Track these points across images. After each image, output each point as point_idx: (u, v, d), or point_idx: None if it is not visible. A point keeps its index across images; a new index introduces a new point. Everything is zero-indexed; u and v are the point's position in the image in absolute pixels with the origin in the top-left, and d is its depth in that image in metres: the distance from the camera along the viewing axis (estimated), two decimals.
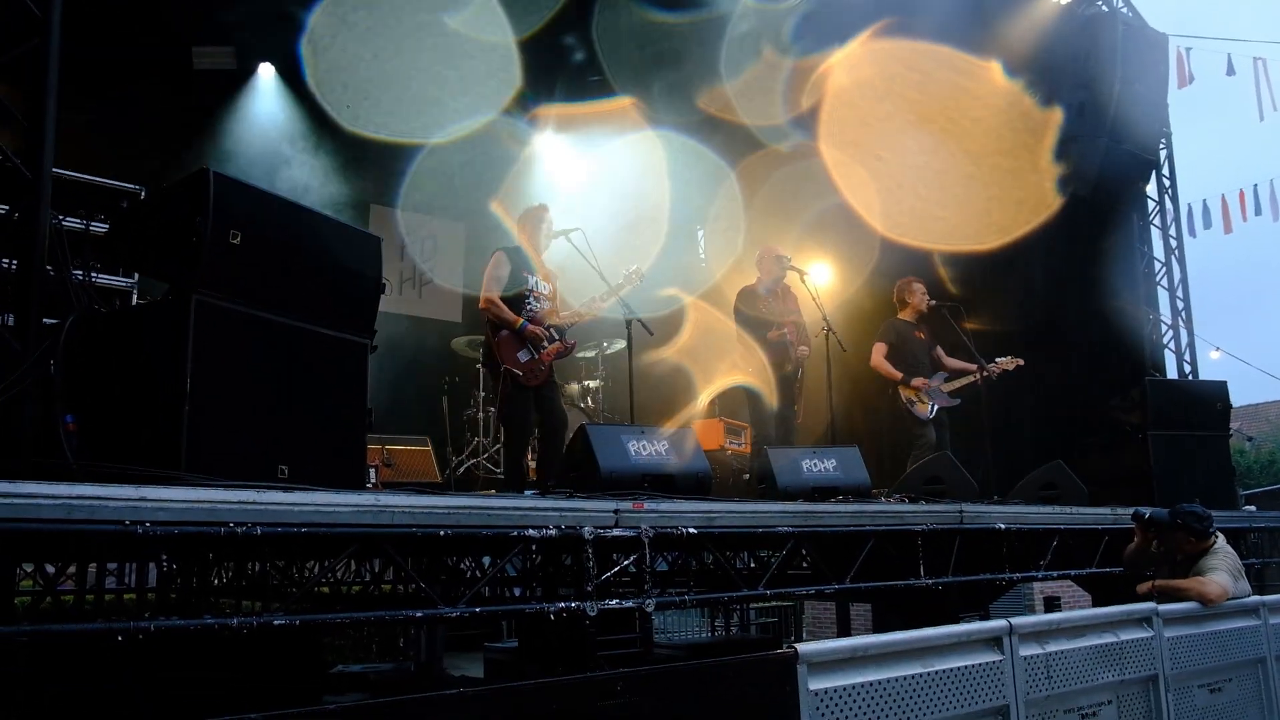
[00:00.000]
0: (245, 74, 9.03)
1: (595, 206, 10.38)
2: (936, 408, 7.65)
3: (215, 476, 3.04)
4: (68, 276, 3.86)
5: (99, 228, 4.59)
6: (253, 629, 2.91)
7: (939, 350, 7.92)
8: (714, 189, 11.26)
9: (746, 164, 10.64)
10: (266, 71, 9.29)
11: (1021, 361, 7.69)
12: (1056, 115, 8.86)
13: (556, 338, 6.12)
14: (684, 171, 10.75)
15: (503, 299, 6.02)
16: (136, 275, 4.83)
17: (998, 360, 7.64)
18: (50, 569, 5.45)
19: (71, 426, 3.25)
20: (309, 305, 3.54)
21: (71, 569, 5.65)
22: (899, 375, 7.66)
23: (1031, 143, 8.97)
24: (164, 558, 2.93)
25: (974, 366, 7.56)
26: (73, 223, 4.49)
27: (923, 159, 9.16)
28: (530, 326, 5.98)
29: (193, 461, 3.04)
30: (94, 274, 4.54)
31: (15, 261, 3.39)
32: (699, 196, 11.48)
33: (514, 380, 5.91)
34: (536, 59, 8.99)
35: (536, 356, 5.99)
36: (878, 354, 7.76)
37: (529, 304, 6.08)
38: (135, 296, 4.86)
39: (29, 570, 5.53)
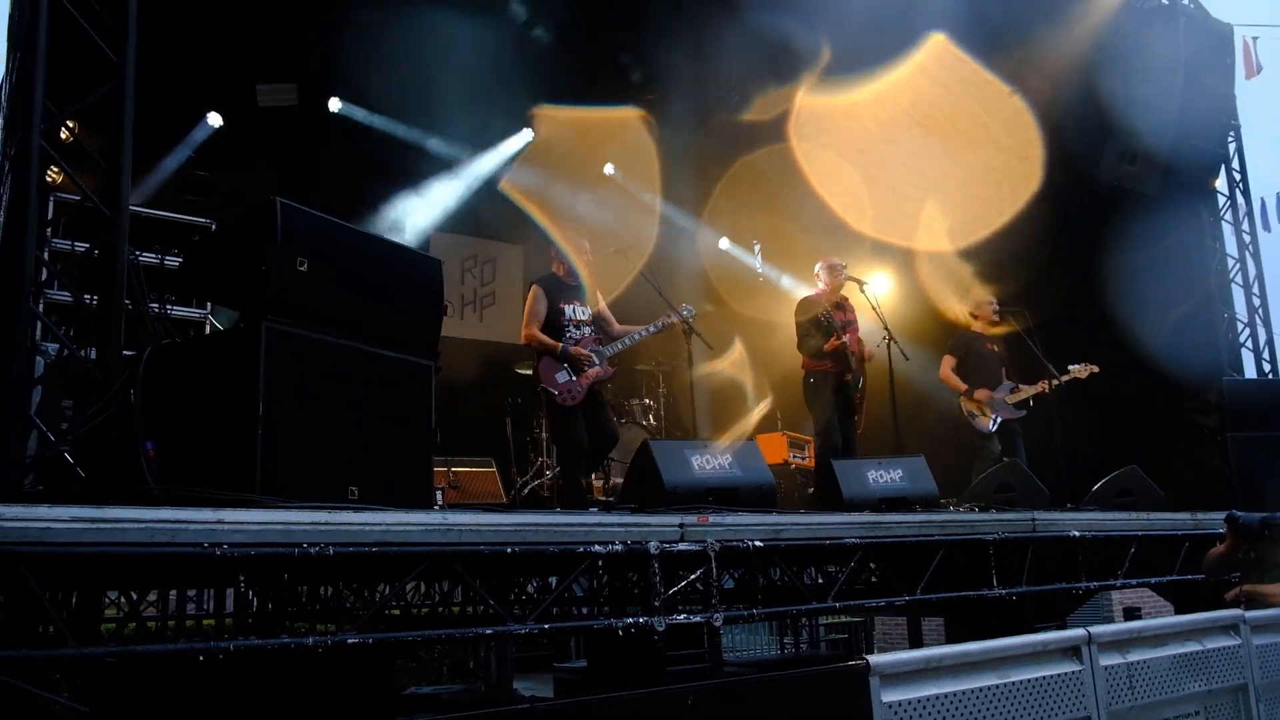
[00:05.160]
0: (309, 108, 9.26)
1: (643, 220, 10.47)
2: (1000, 420, 7.58)
3: (288, 498, 3.11)
4: (145, 309, 4.01)
5: (173, 261, 4.76)
6: (327, 648, 2.97)
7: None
8: (770, 203, 11.25)
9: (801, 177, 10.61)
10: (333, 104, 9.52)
11: (1096, 369, 7.55)
12: (1118, 115, 8.70)
13: (596, 362, 6.24)
14: (738, 185, 10.76)
15: (543, 330, 6.23)
16: (209, 305, 4.98)
17: (1071, 368, 7.53)
18: (134, 595, 5.62)
19: (152, 453, 3.36)
20: (375, 329, 3.62)
21: (153, 595, 5.83)
22: (963, 387, 7.65)
23: (1089, 141, 8.85)
24: (241, 580, 3.00)
25: (1041, 384, 7.50)
26: (149, 257, 4.65)
27: (944, 169, 9.14)
28: (572, 349, 6.16)
29: (267, 484, 3.12)
30: (169, 306, 4.71)
31: (96, 296, 3.53)
32: (756, 210, 11.47)
33: (550, 399, 6.10)
34: (580, 63, 9.08)
35: (575, 379, 6.13)
36: (945, 366, 7.80)
37: (569, 332, 6.27)
38: (209, 326, 5.01)
39: (114, 598, 5.71)
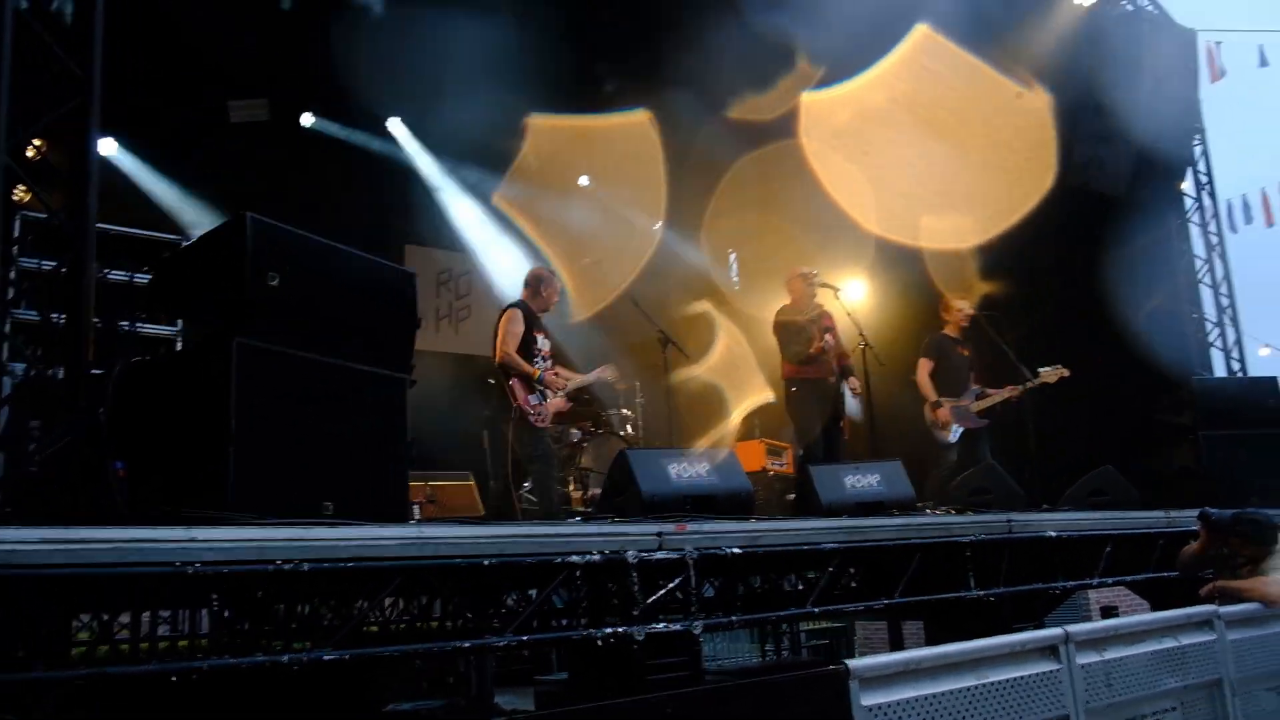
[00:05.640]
0: (281, 123, 9.21)
1: (621, 227, 10.50)
2: (960, 431, 7.59)
3: (262, 515, 3.08)
4: (114, 327, 3.98)
5: (142, 279, 4.72)
6: (304, 665, 2.94)
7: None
8: (745, 211, 11.30)
9: (778, 185, 10.68)
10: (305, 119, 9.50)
11: (1067, 373, 7.55)
12: (1085, 118, 8.81)
13: (561, 394, 6.56)
14: (716, 194, 10.80)
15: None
16: (180, 323, 4.94)
17: (1041, 371, 7.53)
18: (105, 617, 5.55)
19: (122, 473, 3.32)
20: (348, 343, 3.59)
21: (125, 618, 5.74)
22: (934, 397, 7.66)
23: (1059, 147, 8.94)
24: (214, 599, 2.97)
25: (1008, 390, 7.53)
26: (117, 275, 4.61)
27: (945, 168, 9.16)
28: (548, 375, 6.44)
29: (240, 501, 3.09)
30: (139, 323, 4.66)
31: (64, 315, 3.49)
32: (731, 219, 11.52)
33: (524, 417, 6.28)
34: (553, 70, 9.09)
35: (544, 403, 6.38)
36: (922, 371, 7.76)
37: (537, 362, 6.48)
38: (179, 343, 4.97)
39: (86, 620, 5.63)
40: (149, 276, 4.70)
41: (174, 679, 2.73)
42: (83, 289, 3.46)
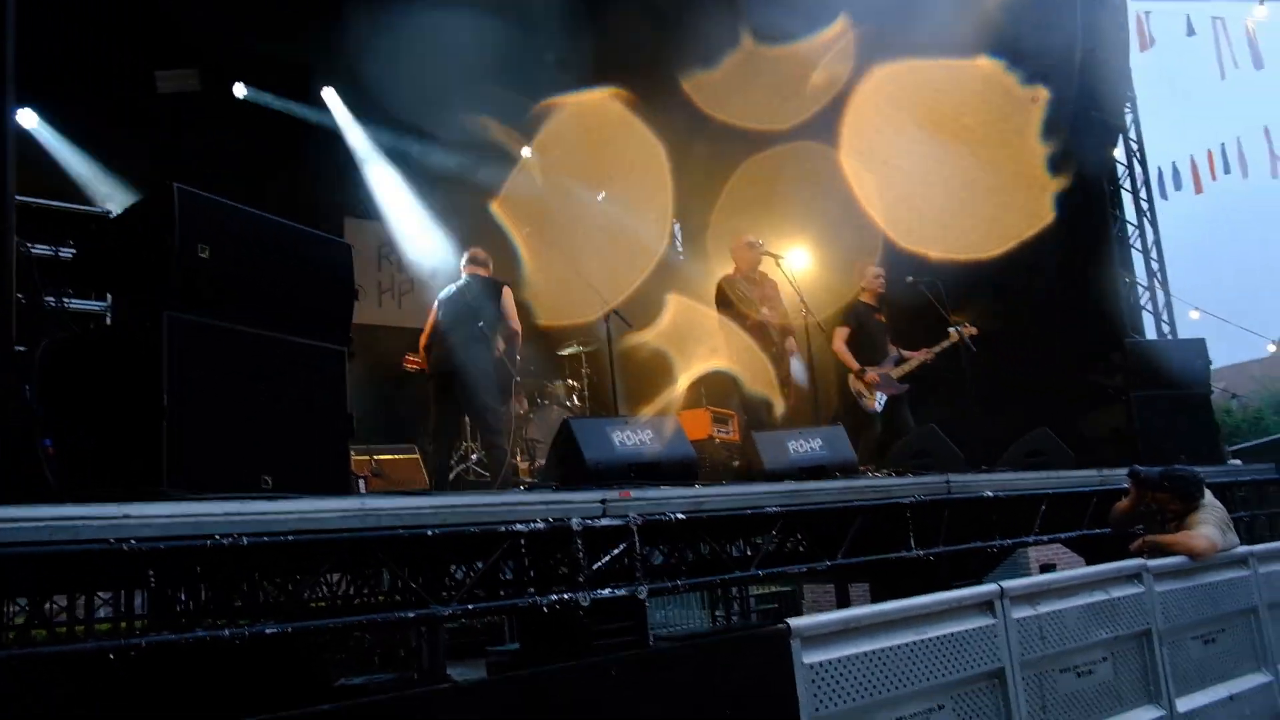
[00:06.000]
0: (213, 93, 8.96)
1: (576, 202, 10.44)
2: (885, 399, 7.67)
3: (199, 490, 3.03)
4: (40, 303, 3.86)
5: (68, 253, 4.58)
6: (245, 639, 2.91)
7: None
8: (693, 182, 11.30)
9: (727, 157, 10.68)
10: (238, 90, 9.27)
11: (975, 331, 7.62)
12: (1033, 90, 8.90)
13: None
14: (663, 164, 10.78)
15: None
16: (109, 297, 4.82)
17: (950, 331, 7.60)
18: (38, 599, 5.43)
19: (51, 450, 3.24)
20: (282, 315, 3.53)
21: (63, 600, 5.63)
22: (856, 366, 7.66)
23: (1009, 124, 9.02)
24: (151, 575, 2.92)
25: (923, 353, 7.70)
26: (42, 249, 4.47)
27: (912, 160, 9.22)
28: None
29: (175, 477, 3.04)
30: (67, 299, 4.53)
31: None
32: (677, 189, 11.51)
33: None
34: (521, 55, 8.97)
35: None
36: (838, 339, 7.75)
37: None
38: (110, 319, 4.84)
39: (23, 605, 5.51)
40: (75, 250, 4.58)
41: (111, 657, 2.69)
42: (4, 263, 3.34)
